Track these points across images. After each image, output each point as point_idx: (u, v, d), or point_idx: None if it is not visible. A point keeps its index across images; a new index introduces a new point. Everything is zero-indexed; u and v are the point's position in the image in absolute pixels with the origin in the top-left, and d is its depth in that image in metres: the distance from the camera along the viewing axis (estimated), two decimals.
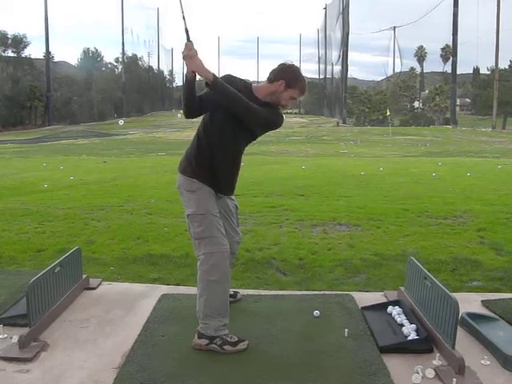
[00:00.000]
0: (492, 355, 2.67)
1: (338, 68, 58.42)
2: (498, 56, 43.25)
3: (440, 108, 54.63)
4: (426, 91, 65.26)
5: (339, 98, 55.63)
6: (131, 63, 63.59)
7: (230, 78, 2.82)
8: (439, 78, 71.58)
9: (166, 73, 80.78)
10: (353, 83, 62.83)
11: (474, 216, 6.50)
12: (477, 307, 3.30)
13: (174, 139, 29.02)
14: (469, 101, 71.93)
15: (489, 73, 56.11)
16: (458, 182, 9.76)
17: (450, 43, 48.26)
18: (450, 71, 51.48)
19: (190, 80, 2.72)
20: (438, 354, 2.62)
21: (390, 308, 3.21)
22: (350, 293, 3.62)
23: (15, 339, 2.72)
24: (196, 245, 2.84)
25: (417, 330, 2.87)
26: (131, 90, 59.59)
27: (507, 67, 55.07)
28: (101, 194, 8.60)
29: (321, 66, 71.35)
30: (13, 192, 8.83)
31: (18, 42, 50.25)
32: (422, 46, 74.78)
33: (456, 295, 2.68)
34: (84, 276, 3.63)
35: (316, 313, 3.19)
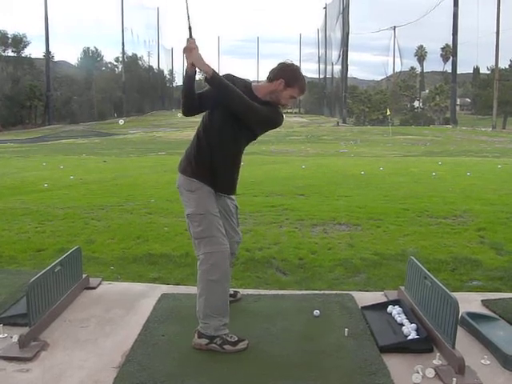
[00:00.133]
0: (492, 355, 2.67)
1: (338, 68, 58.47)
2: (498, 56, 43.28)
3: (440, 108, 54.60)
4: (426, 91, 65.25)
5: (339, 97, 55.62)
6: (131, 63, 63.55)
7: (230, 78, 2.82)
8: (439, 78, 71.51)
9: (166, 72, 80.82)
10: (353, 83, 62.79)
11: (474, 216, 6.50)
12: (477, 307, 3.30)
13: (174, 139, 29.02)
14: (469, 100, 71.93)
15: (489, 72, 56.09)
16: (458, 181, 9.76)
17: (450, 43, 48.24)
18: (450, 71, 51.48)
19: (189, 75, 2.72)
20: (438, 354, 2.62)
21: (390, 307, 3.21)
22: (350, 292, 3.62)
23: (15, 339, 2.72)
24: (196, 244, 2.84)
25: (417, 330, 2.87)
26: (131, 89, 59.56)
27: (507, 67, 55.05)
28: (101, 193, 8.60)
29: (321, 65, 71.38)
30: (13, 191, 8.83)
31: (18, 42, 50.21)
32: (422, 46, 74.87)
33: (456, 295, 2.68)
34: (84, 275, 3.63)
35: (316, 312, 3.19)
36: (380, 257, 4.80)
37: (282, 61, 2.94)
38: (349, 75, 56.16)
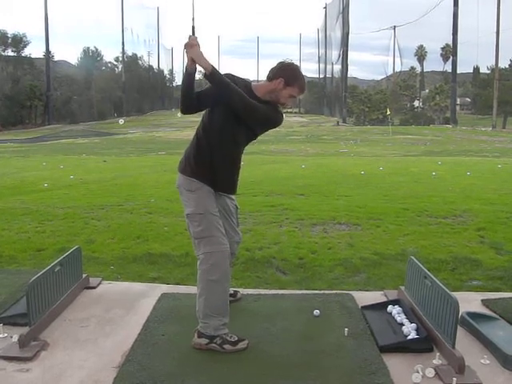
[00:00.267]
0: (492, 354, 2.67)
1: (338, 67, 58.42)
2: (498, 55, 43.25)
3: (440, 107, 54.59)
4: (426, 90, 65.23)
5: (339, 97, 55.59)
6: (131, 62, 63.52)
7: (230, 77, 2.82)
8: (439, 78, 71.49)
9: (165, 72, 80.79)
10: (353, 82, 62.76)
11: (474, 215, 6.50)
12: (477, 306, 3.30)
13: (174, 138, 29.01)
14: (469, 100, 71.91)
15: (489, 72, 56.05)
16: (457, 181, 9.76)
17: (450, 42, 48.20)
18: (450, 70, 51.44)
19: (189, 72, 2.72)
20: (437, 354, 2.62)
21: (389, 307, 3.21)
22: (350, 292, 3.62)
23: (15, 338, 2.72)
24: (196, 244, 2.84)
25: (417, 330, 2.87)
26: (131, 89, 59.53)
27: (507, 66, 55.03)
28: (101, 193, 8.60)
29: (321, 65, 71.36)
30: (13, 191, 8.83)
31: (18, 42, 50.18)
32: (422, 46, 74.78)
33: (456, 294, 2.68)
34: (84, 275, 3.63)
35: (316, 312, 3.19)
36: (380, 256, 4.80)
37: (282, 60, 2.95)
38: (349, 75, 56.16)
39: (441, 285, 2.78)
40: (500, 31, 41.21)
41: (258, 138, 3.04)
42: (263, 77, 2.96)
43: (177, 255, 4.83)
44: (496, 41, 41.80)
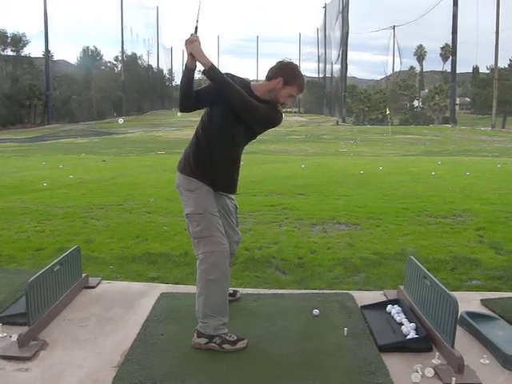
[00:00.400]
0: (491, 354, 2.67)
1: (337, 67, 58.34)
2: (498, 55, 43.22)
3: (439, 107, 54.61)
4: (426, 90, 65.25)
5: (339, 96, 55.55)
6: (131, 62, 63.48)
7: (229, 77, 2.81)
8: (439, 77, 71.51)
9: (165, 71, 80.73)
10: (352, 82, 62.77)
11: (474, 215, 6.50)
12: (476, 306, 3.30)
13: (174, 138, 28.99)
14: (468, 100, 71.93)
15: (488, 72, 56.04)
16: (457, 181, 9.76)
17: (450, 42, 48.16)
18: (449, 70, 51.40)
19: (189, 69, 2.71)
20: (437, 353, 2.62)
21: (389, 307, 3.21)
22: (350, 292, 3.62)
23: (14, 338, 2.72)
24: (195, 244, 2.84)
25: (416, 329, 2.87)
26: (131, 88, 59.49)
27: (507, 66, 55.03)
28: (100, 192, 8.59)
29: (320, 64, 71.33)
30: (12, 191, 8.82)
31: (18, 41, 50.12)
32: (421, 45, 74.73)
33: (455, 294, 2.68)
34: (83, 275, 3.63)
35: (315, 312, 3.19)
36: (379, 256, 4.80)
37: (281, 59, 2.95)
38: (348, 74, 56.12)
39: (440, 284, 2.78)
40: (499, 31, 41.23)
41: (258, 137, 3.04)
42: (263, 76, 2.96)
43: (176, 255, 4.83)
44: (495, 40, 41.82)
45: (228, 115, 2.78)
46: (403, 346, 2.75)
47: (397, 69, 68.72)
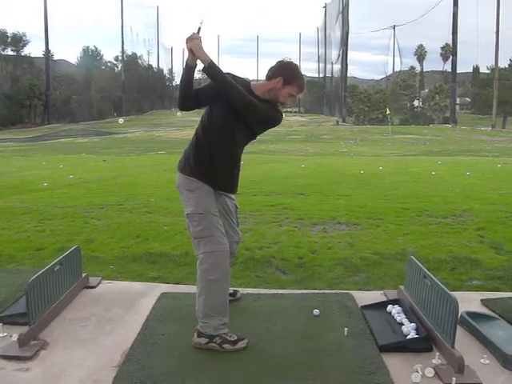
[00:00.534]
0: (491, 354, 2.67)
1: (337, 67, 58.34)
2: (498, 55, 43.18)
3: (440, 107, 54.57)
4: (426, 90, 65.20)
5: (339, 96, 55.54)
6: (131, 62, 63.46)
7: (230, 76, 2.82)
8: (439, 77, 71.47)
9: (165, 71, 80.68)
10: (352, 82, 62.72)
11: (474, 215, 6.50)
12: (476, 306, 3.30)
13: (174, 138, 29.00)
14: (468, 100, 71.88)
15: (489, 72, 56.01)
16: (457, 181, 9.76)
17: (450, 42, 48.12)
18: (449, 70, 51.38)
19: (189, 66, 2.71)
20: (437, 353, 2.62)
21: (389, 307, 3.21)
22: (350, 292, 3.62)
23: (15, 338, 2.73)
24: (195, 244, 2.84)
25: (416, 329, 2.87)
26: (131, 88, 59.48)
27: (507, 66, 54.99)
28: (100, 192, 8.59)
29: (320, 64, 71.28)
30: (12, 190, 8.82)
31: (18, 41, 50.13)
32: (421, 45, 74.67)
33: (456, 294, 2.68)
34: (84, 274, 3.63)
35: (316, 312, 3.19)
36: (380, 256, 4.80)
37: (281, 59, 2.95)
38: (348, 74, 56.08)
39: (440, 284, 2.78)
40: (500, 31, 41.20)
41: (258, 137, 3.04)
42: (263, 76, 2.96)
43: (176, 255, 4.83)
44: (496, 40, 41.80)
45: (228, 115, 2.78)
46: (403, 346, 2.75)
47: (397, 69, 68.75)
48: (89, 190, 8.92)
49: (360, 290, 3.86)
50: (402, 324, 2.98)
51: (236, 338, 2.77)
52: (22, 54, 51.36)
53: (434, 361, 2.59)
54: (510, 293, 3.68)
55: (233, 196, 3.10)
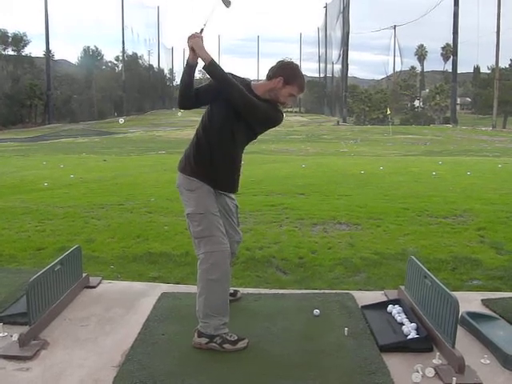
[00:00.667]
0: (492, 354, 2.67)
1: (338, 67, 58.38)
2: (499, 55, 43.15)
3: (440, 107, 54.53)
4: (427, 90, 65.14)
5: (339, 96, 55.56)
6: (131, 62, 63.48)
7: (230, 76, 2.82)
8: (440, 77, 71.45)
9: (166, 71, 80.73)
10: (353, 82, 62.70)
11: (475, 215, 6.50)
12: (477, 306, 3.30)
13: (174, 138, 29.01)
14: (469, 100, 71.84)
15: (489, 72, 55.94)
16: (458, 181, 9.75)
17: (451, 42, 48.08)
18: (450, 70, 51.35)
19: (190, 64, 2.72)
20: (437, 353, 2.62)
21: (390, 307, 3.21)
22: (350, 292, 3.62)
23: (15, 337, 2.73)
24: (196, 244, 2.84)
25: (417, 329, 2.87)
26: (131, 88, 59.49)
27: (507, 66, 54.96)
28: (101, 192, 8.60)
29: (321, 64, 71.26)
30: (13, 190, 8.83)
31: (18, 41, 50.15)
32: (422, 45, 74.67)
33: (456, 294, 2.68)
34: (84, 274, 3.63)
35: (316, 312, 3.19)
36: (380, 256, 4.80)
37: (282, 59, 2.95)
38: (349, 74, 56.12)
39: (441, 284, 2.77)
40: (500, 31, 41.19)
41: (258, 137, 3.04)
42: (263, 76, 2.96)
43: (177, 254, 4.83)
44: (496, 40, 41.79)
45: (228, 115, 2.78)
46: (404, 346, 2.75)
47: (398, 69, 68.76)
48: (89, 189, 8.92)
49: (360, 289, 3.86)
50: (402, 324, 2.97)
51: (236, 337, 2.76)
52: (23, 53, 51.41)
53: (434, 361, 2.59)
54: (510, 293, 3.68)
55: (233, 196, 3.10)
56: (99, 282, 3.72)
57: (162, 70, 78.51)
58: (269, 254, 4.85)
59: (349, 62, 53.68)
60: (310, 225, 6.05)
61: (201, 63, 2.71)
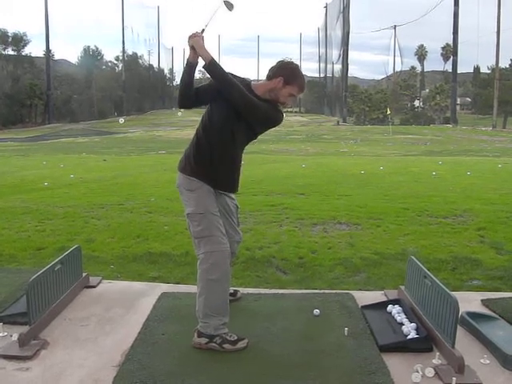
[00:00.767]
0: (492, 354, 2.67)
1: (338, 67, 58.40)
2: (499, 55, 43.18)
3: (440, 107, 54.55)
4: (427, 90, 65.15)
5: (339, 96, 55.56)
6: (131, 61, 63.48)
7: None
8: (440, 77, 71.46)
9: (166, 71, 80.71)
10: (353, 82, 62.71)
11: (475, 215, 6.50)
12: (477, 306, 3.30)
13: (175, 138, 29.01)
14: (469, 100, 71.84)
15: (489, 72, 55.95)
16: (458, 181, 9.76)
17: (451, 42, 48.11)
18: (450, 70, 51.36)
19: (190, 63, 2.72)
20: (437, 353, 2.62)
21: (389, 307, 3.21)
22: (350, 292, 3.62)
23: (15, 337, 2.72)
24: (196, 244, 2.84)
25: (417, 329, 2.87)
26: (131, 88, 59.49)
27: (507, 66, 54.96)
28: (101, 192, 8.60)
29: (321, 64, 71.25)
30: (13, 190, 8.83)
31: (19, 41, 50.19)
32: (422, 45, 74.67)
33: (456, 294, 2.68)
34: (84, 274, 3.63)
35: (316, 312, 3.19)
36: (380, 256, 4.80)
37: (282, 59, 2.95)
38: (349, 74, 56.13)
39: (441, 284, 2.77)
40: (500, 31, 41.21)
41: (258, 137, 3.04)
42: (263, 76, 2.96)
43: (177, 254, 4.83)
44: (496, 40, 41.80)
45: (229, 115, 2.78)
46: (404, 346, 2.75)
47: (398, 69, 68.78)
48: (89, 189, 8.92)
49: (360, 290, 3.86)
50: (402, 324, 2.97)
51: (236, 337, 2.77)
52: (23, 53, 51.46)
53: (434, 361, 2.59)
54: (510, 293, 3.68)
55: (233, 195, 3.10)
56: (99, 282, 3.72)
57: (162, 70, 78.58)
58: (269, 254, 4.85)
59: (349, 62, 53.76)
60: (309, 225, 6.05)
61: (201, 62, 2.71)
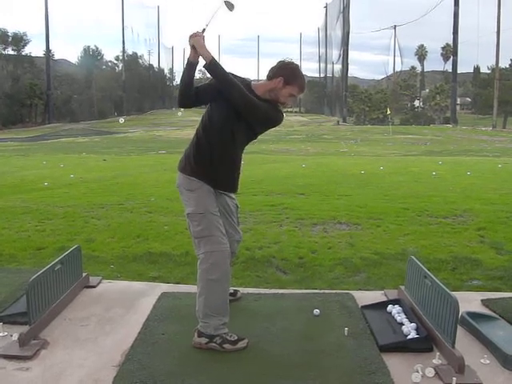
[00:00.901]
0: (492, 354, 2.67)
1: (338, 67, 58.43)
2: (499, 55, 43.18)
3: (440, 107, 54.57)
4: (427, 90, 65.16)
5: (339, 96, 55.59)
6: (131, 61, 63.48)
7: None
8: (440, 77, 71.47)
9: (166, 71, 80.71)
10: (353, 82, 62.74)
11: (475, 215, 6.50)
12: (477, 306, 3.30)
13: (175, 137, 29.01)
14: (469, 100, 71.85)
15: (489, 72, 55.95)
16: (458, 181, 9.76)
17: (451, 42, 48.10)
18: (450, 70, 51.34)
19: (191, 63, 2.72)
20: (437, 353, 2.62)
21: (389, 307, 3.21)
22: (350, 292, 3.62)
23: (15, 337, 2.72)
24: (196, 244, 2.84)
25: (417, 329, 2.87)
26: (131, 88, 59.48)
27: (508, 66, 54.96)
28: (101, 192, 8.60)
29: (321, 64, 71.24)
30: (13, 190, 8.83)
31: (19, 40, 50.18)
32: (422, 45, 74.67)
33: (456, 294, 2.68)
34: (84, 274, 3.63)
35: (316, 311, 3.19)
36: (380, 256, 4.80)
37: (282, 59, 2.95)
38: (349, 74, 56.16)
39: (441, 284, 2.77)
40: (500, 31, 41.21)
41: (258, 137, 3.04)
42: (264, 76, 2.96)
43: (177, 254, 4.83)
44: (496, 40, 41.80)
45: (229, 115, 2.78)
46: (404, 346, 2.75)
47: (398, 69, 68.79)
48: (89, 189, 8.92)
49: (360, 289, 3.86)
50: (402, 324, 2.97)
51: (236, 337, 2.77)
52: (23, 53, 51.43)
53: (434, 361, 2.59)
54: (510, 293, 3.68)
55: (233, 195, 3.10)
56: (99, 282, 3.72)
57: (162, 70, 78.57)
58: (269, 254, 4.85)
59: (349, 62, 53.81)
60: (310, 225, 6.05)
61: (202, 62, 2.71)
